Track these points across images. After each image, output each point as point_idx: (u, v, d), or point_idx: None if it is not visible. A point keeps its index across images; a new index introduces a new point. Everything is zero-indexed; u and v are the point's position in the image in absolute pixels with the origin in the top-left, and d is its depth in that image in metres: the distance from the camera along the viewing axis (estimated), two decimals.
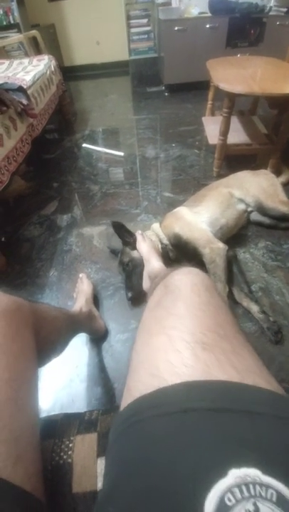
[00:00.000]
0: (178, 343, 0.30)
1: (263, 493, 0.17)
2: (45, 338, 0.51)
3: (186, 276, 0.42)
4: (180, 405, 0.24)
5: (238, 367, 0.27)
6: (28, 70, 2.01)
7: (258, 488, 0.17)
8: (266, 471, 0.18)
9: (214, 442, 0.21)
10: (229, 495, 0.17)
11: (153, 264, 1.00)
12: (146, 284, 1.02)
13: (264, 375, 0.28)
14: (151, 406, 0.25)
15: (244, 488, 0.17)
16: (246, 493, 0.17)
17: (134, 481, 0.22)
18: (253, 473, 0.18)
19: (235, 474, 0.18)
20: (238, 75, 1.55)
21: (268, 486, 0.17)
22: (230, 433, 0.21)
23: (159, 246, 1.18)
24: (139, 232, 1.16)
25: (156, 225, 1.24)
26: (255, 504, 0.17)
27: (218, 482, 0.18)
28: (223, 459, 0.19)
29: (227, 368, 0.27)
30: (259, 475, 0.18)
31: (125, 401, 0.29)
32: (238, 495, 0.17)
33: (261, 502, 0.17)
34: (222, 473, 0.18)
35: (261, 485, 0.18)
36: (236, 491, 0.17)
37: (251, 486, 0.18)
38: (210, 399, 0.24)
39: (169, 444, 0.22)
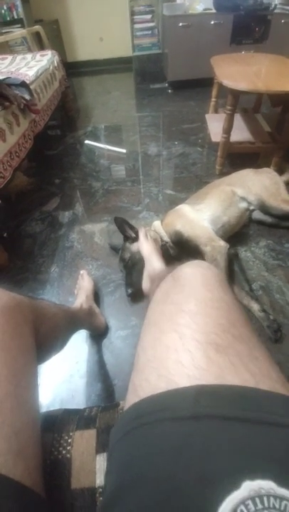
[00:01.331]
0: (189, 342, 0.29)
1: (277, 505, 0.17)
2: (45, 335, 0.51)
3: (196, 270, 0.40)
4: (191, 410, 0.23)
5: (253, 371, 0.26)
6: (31, 65, 1.99)
7: (272, 500, 0.17)
8: (281, 483, 0.18)
9: (226, 452, 0.20)
10: (242, 507, 0.17)
11: (154, 264, 0.98)
12: (145, 284, 1.00)
13: (280, 380, 0.26)
14: (160, 409, 0.24)
15: (258, 501, 0.17)
16: (260, 505, 0.17)
17: (142, 486, 0.21)
18: (267, 485, 0.17)
19: (249, 487, 0.17)
20: (243, 72, 1.54)
21: (282, 498, 0.17)
22: (244, 443, 0.20)
23: (160, 243, 1.17)
24: (143, 229, 1.14)
25: (157, 223, 1.24)
26: None
27: (230, 494, 0.17)
28: (236, 470, 0.19)
29: (242, 371, 0.26)
30: (274, 487, 0.17)
31: (130, 400, 0.28)
32: (252, 507, 0.17)
33: None
34: (235, 485, 0.18)
35: (276, 497, 0.17)
36: (250, 503, 0.17)
37: (265, 499, 0.17)
38: (222, 405, 0.23)
39: (178, 451, 0.21)
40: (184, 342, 0.29)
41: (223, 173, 1.65)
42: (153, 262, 0.99)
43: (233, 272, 1.18)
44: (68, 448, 0.37)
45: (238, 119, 1.87)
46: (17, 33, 2.68)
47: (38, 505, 0.28)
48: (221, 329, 0.30)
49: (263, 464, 0.19)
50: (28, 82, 1.65)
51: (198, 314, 0.32)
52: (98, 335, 1.03)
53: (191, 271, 0.40)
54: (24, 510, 0.26)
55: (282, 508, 0.17)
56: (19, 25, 3.26)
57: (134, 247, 1.15)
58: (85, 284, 1.12)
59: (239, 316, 0.34)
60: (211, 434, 0.21)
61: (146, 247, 1.06)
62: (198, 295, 0.34)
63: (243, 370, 0.26)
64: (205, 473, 0.19)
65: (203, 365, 0.26)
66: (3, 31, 3.06)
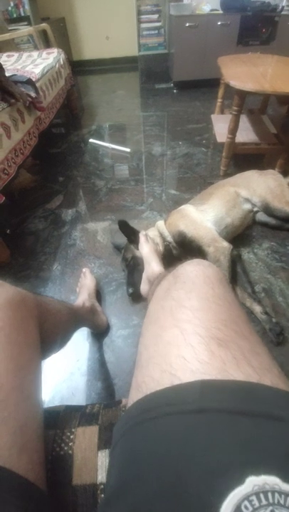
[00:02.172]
0: (191, 337, 0.28)
1: (282, 501, 0.17)
2: (49, 331, 0.51)
3: (198, 268, 0.39)
4: (195, 404, 0.23)
5: (255, 366, 0.26)
6: (38, 63, 2.00)
7: (276, 496, 0.17)
8: (286, 479, 0.17)
9: (231, 447, 0.20)
10: (246, 503, 0.17)
11: (153, 267, 0.97)
12: (144, 287, 0.99)
13: (282, 376, 0.27)
14: (164, 404, 0.24)
15: (262, 496, 0.17)
16: (264, 501, 0.17)
17: (146, 480, 0.21)
18: (272, 481, 0.17)
19: (253, 482, 0.17)
20: (249, 72, 1.54)
21: (287, 494, 0.17)
22: (248, 437, 0.20)
23: (161, 248, 1.17)
24: (143, 232, 1.14)
25: (160, 223, 1.24)
26: None
27: (234, 489, 0.17)
28: (240, 465, 0.19)
29: (244, 366, 0.26)
30: (279, 483, 0.17)
31: (134, 396, 0.28)
32: (256, 503, 0.17)
33: (279, 510, 0.16)
34: (239, 480, 0.18)
35: (280, 493, 0.17)
36: (254, 498, 0.17)
37: (270, 494, 0.17)
38: (226, 400, 0.23)
39: (182, 445, 0.21)
40: (185, 337, 0.29)
41: (228, 174, 1.65)
42: (152, 264, 0.98)
43: (235, 274, 1.17)
44: (70, 444, 0.37)
45: (244, 120, 1.86)
46: (24, 30, 2.68)
47: (41, 501, 0.28)
48: (222, 324, 0.30)
49: (268, 459, 0.19)
50: (34, 79, 1.66)
51: (199, 309, 0.32)
52: (99, 333, 1.03)
53: (192, 268, 0.39)
54: (27, 505, 0.26)
55: (287, 504, 0.17)
56: (26, 23, 3.27)
57: (137, 252, 1.15)
58: (87, 282, 1.12)
59: (240, 314, 0.34)
60: (215, 428, 0.21)
61: (146, 250, 1.05)
62: (200, 291, 0.34)
63: (246, 364, 0.26)
64: (209, 467, 0.19)
65: (206, 359, 0.26)
66: (10, 29, 3.06)
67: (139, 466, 0.22)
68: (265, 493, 0.17)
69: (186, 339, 0.29)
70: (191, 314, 0.31)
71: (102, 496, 0.33)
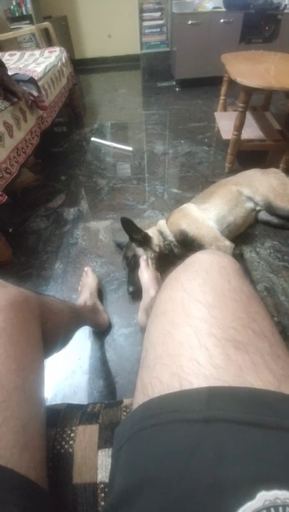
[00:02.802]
0: (206, 338, 0.26)
1: None
2: (51, 331, 0.51)
3: (212, 256, 0.36)
4: (202, 413, 0.21)
5: (275, 370, 0.24)
6: (40, 62, 2.00)
7: (287, 510, 0.16)
8: None
9: (240, 459, 0.19)
10: None
11: (151, 295, 0.93)
12: (141, 316, 0.95)
13: None
14: (171, 410, 0.23)
15: (273, 511, 0.16)
16: None
17: (151, 490, 0.20)
18: (283, 495, 0.17)
19: (264, 497, 0.17)
20: (254, 69, 1.53)
21: None
22: (258, 449, 0.19)
23: (161, 246, 1.17)
24: (144, 257, 1.11)
25: (162, 222, 1.24)
26: None
27: (245, 505, 0.17)
28: (250, 479, 0.18)
29: (263, 371, 0.24)
30: None
31: (139, 399, 0.27)
32: None
33: None
34: (249, 495, 0.17)
35: None
36: None
37: (281, 509, 0.16)
38: (235, 409, 0.21)
39: (189, 455, 0.20)
40: (199, 338, 0.27)
41: (233, 171, 1.64)
42: (151, 292, 0.95)
43: None
44: (71, 442, 0.37)
45: (248, 117, 1.85)
46: (26, 29, 2.68)
47: (42, 500, 0.28)
48: (240, 324, 0.28)
49: (280, 473, 0.18)
50: (36, 78, 1.66)
51: (215, 307, 0.29)
52: (101, 332, 1.03)
53: (206, 257, 0.36)
54: (27, 504, 0.26)
55: None
56: (28, 22, 3.27)
57: (139, 251, 1.15)
58: (89, 280, 1.12)
59: (259, 309, 0.31)
60: (223, 439, 0.20)
61: (146, 276, 1.02)
62: (215, 284, 0.31)
63: (265, 370, 0.24)
64: (217, 480, 0.18)
65: (221, 364, 0.24)
66: (12, 27, 3.06)
67: (144, 475, 0.22)
68: (276, 507, 0.16)
69: (200, 340, 0.26)
70: (206, 312, 0.29)
71: (102, 495, 0.33)
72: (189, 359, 0.26)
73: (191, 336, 0.27)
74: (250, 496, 0.17)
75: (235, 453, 0.19)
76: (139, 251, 1.15)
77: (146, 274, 1.03)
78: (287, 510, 0.16)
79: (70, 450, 0.36)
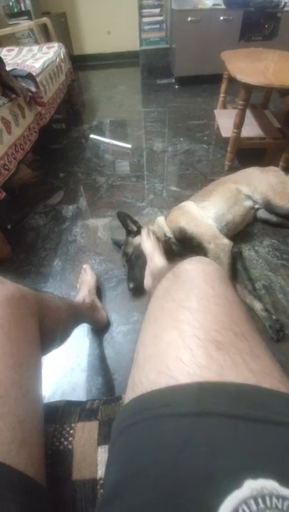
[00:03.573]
0: (190, 340, 0.28)
1: (280, 505, 0.17)
2: (48, 327, 0.51)
3: (198, 266, 0.39)
4: (193, 407, 0.23)
5: (254, 369, 0.26)
6: (38, 57, 1.98)
7: (274, 500, 0.17)
8: (284, 483, 0.17)
9: (229, 450, 0.20)
10: (244, 506, 0.17)
11: (156, 261, 0.97)
12: (147, 281, 0.99)
13: (283, 379, 0.26)
14: (162, 404, 0.24)
15: (260, 500, 0.17)
16: (262, 505, 0.17)
17: (142, 483, 0.21)
18: (270, 485, 0.17)
19: (251, 486, 0.17)
20: (254, 67, 1.53)
21: (285, 498, 0.17)
22: (247, 441, 0.20)
23: (163, 239, 1.17)
24: (146, 228, 1.14)
25: (161, 219, 1.24)
26: None
27: (232, 493, 0.17)
28: (238, 469, 0.19)
29: (242, 370, 0.25)
30: (277, 487, 0.17)
31: (130, 396, 0.28)
32: (254, 507, 0.17)
33: None
34: (237, 483, 0.18)
35: (278, 497, 0.17)
36: (251, 502, 0.17)
37: (268, 498, 0.17)
38: (225, 403, 0.22)
39: (180, 448, 0.21)
40: (184, 339, 0.28)
41: (233, 169, 1.64)
42: (155, 259, 0.98)
43: (236, 271, 1.17)
44: (70, 439, 0.37)
45: (248, 115, 1.85)
46: (24, 24, 2.66)
47: (40, 496, 0.28)
48: (222, 326, 0.29)
49: (266, 463, 0.19)
50: (34, 74, 1.64)
51: (199, 311, 0.31)
52: (100, 329, 1.03)
53: (192, 267, 0.39)
54: (25, 500, 0.26)
55: (284, 508, 0.16)
56: (26, 17, 3.24)
57: (136, 241, 1.15)
58: (87, 278, 1.12)
59: (240, 313, 0.33)
60: (213, 432, 0.21)
61: (148, 245, 1.06)
62: (200, 291, 0.34)
63: (244, 368, 0.26)
64: (206, 471, 0.19)
65: (203, 363, 0.26)
66: (11, 23, 3.03)
67: (136, 469, 0.22)
68: (263, 497, 0.17)
69: (184, 341, 0.28)
70: (190, 315, 0.31)
71: (102, 491, 0.33)
72: (175, 358, 0.27)
73: (176, 338, 0.29)
74: (237, 484, 0.17)
75: (224, 445, 0.20)
76: (137, 241, 1.15)
77: (148, 243, 1.07)
78: (274, 499, 0.17)
79: (70, 447, 0.36)
